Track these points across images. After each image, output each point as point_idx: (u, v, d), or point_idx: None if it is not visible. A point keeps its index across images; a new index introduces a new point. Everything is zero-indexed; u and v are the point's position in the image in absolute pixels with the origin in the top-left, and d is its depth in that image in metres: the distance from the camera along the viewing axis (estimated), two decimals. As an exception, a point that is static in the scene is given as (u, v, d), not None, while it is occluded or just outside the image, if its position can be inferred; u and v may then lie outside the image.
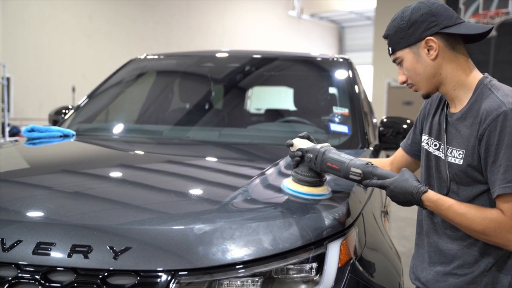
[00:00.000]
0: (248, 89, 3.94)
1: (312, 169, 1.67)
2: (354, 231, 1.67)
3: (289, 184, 1.71)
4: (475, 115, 1.45)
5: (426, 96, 1.58)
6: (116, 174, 2.05)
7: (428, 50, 1.50)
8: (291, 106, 3.71)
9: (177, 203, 1.67)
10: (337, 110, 2.92)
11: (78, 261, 1.34)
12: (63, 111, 3.38)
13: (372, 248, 1.80)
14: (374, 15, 11.86)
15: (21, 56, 9.31)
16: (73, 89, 9.53)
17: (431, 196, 1.45)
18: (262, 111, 4.22)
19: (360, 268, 1.63)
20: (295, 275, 1.48)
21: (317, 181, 1.69)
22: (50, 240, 1.38)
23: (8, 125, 7.42)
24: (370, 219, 1.92)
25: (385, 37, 1.59)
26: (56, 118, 3.37)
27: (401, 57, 1.55)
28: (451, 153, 1.51)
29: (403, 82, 1.60)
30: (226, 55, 3.54)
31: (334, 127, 2.82)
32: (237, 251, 1.39)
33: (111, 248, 1.35)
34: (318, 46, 18.21)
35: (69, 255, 1.35)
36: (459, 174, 1.49)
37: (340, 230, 1.58)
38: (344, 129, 2.78)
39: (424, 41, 1.49)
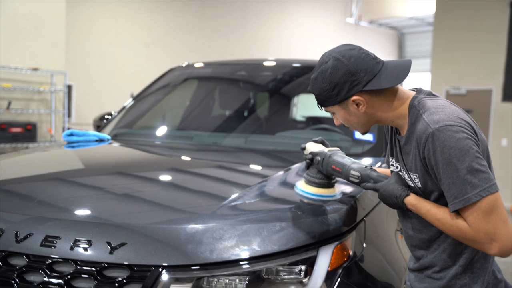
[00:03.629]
0: (285, 97, 3.99)
1: (321, 171, 1.74)
2: (352, 236, 1.70)
3: (300, 185, 1.79)
4: (414, 139, 1.46)
5: (365, 133, 1.60)
6: (128, 174, 2.18)
7: (357, 105, 1.50)
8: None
9: (175, 204, 1.77)
10: (363, 118, 2.92)
11: (79, 253, 1.46)
12: (106, 116, 3.59)
13: (373, 255, 1.81)
14: (433, 21, 11.57)
15: (84, 65, 9.87)
16: (132, 96, 9.96)
17: (412, 200, 1.49)
18: (303, 119, 4.27)
19: (355, 274, 1.65)
20: (284, 277, 1.53)
21: (326, 183, 1.76)
22: (57, 234, 1.51)
23: (68, 129, 7.88)
24: (374, 227, 1.93)
25: (311, 92, 1.58)
26: (100, 123, 3.59)
27: (331, 110, 1.58)
28: (410, 177, 1.53)
29: (339, 124, 1.62)
30: (264, 63, 3.61)
31: (358, 135, 2.83)
32: (225, 251, 1.47)
33: (109, 243, 1.46)
34: (377, 54, 17.89)
35: (71, 248, 1.47)
36: (424, 193, 1.51)
37: (334, 235, 1.62)
38: (368, 137, 2.78)
39: (351, 100, 1.50)
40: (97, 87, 10.33)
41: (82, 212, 1.65)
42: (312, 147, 1.80)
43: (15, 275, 1.48)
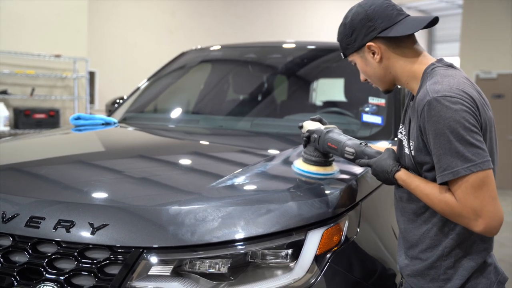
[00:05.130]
0: (299, 80, 3.92)
1: (318, 149, 1.73)
2: (345, 220, 1.64)
3: (297, 164, 1.79)
4: (416, 106, 1.42)
5: (386, 92, 1.60)
6: (121, 156, 2.16)
7: (372, 54, 1.51)
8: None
9: (162, 185, 1.75)
10: (372, 100, 2.84)
11: (61, 234, 1.45)
12: (117, 101, 3.60)
13: (368, 240, 1.76)
14: (463, 3, 11.21)
15: (107, 51, 9.94)
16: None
17: (402, 175, 1.46)
18: (315, 103, 4.19)
19: (346, 258, 1.60)
20: (270, 260, 1.49)
21: (323, 161, 1.75)
22: (41, 215, 1.51)
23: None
24: (372, 211, 1.87)
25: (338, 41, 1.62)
26: (112, 108, 3.60)
27: (353, 60, 1.59)
28: (408, 144, 1.50)
29: (364, 81, 1.63)
30: (281, 46, 3.53)
31: (367, 117, 2.75)
32: (207, 233, 1.43)
33: (91, 224, 1.45)
34: (406, 38, 17.42)
35: (55, 229, 1.46)
36: (416, 164, 1.46)
37: (324, 218, 1.57)
38: (377, 120, 2.70)
39: (366, 47, 1.51)
40: (120, 73, 10.42)
41: (67, 193, 1.64)
42: (309, 125, 1.79)
43: (0, 255, 1.49)
